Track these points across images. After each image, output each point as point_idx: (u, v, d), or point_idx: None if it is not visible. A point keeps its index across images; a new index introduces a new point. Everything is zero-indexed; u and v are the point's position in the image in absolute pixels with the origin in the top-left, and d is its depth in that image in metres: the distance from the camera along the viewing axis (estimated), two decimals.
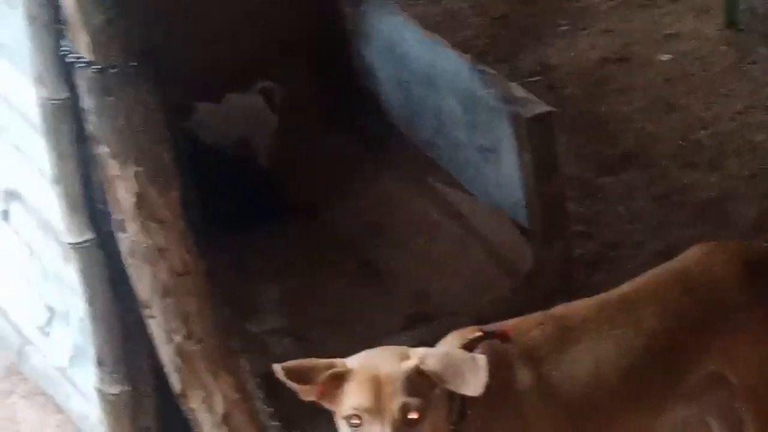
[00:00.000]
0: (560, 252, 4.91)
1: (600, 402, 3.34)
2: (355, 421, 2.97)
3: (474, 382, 2.96)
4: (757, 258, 3.58)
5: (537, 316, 3.41)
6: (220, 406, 3.96)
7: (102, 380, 4.04)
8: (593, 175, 5.78)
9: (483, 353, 3.15)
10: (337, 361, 3.07)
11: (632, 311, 3.41)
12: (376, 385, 2.96)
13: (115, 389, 4.03)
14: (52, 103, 3.73)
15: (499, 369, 3.19)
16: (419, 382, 2.98)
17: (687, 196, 5.59)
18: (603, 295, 3.49)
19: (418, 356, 3.01)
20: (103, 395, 4.08)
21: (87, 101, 3.66)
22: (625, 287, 3.50)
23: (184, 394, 3.97)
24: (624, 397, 3.38)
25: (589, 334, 3.35)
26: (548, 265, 4.91)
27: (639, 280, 3.53)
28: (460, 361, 3.01)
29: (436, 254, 5.22)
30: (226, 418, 3.99)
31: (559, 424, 3.29)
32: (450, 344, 3.27)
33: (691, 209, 5.49)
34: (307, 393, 3.09)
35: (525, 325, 3.35)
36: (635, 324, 3.38)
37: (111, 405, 4.08)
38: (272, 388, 4.14)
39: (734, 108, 6.15)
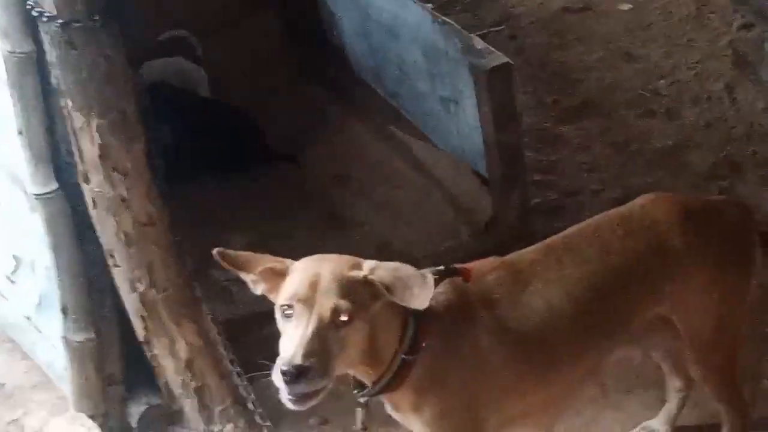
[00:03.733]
0: (519, 200, 4.97)
1: (552, 342, 3.40)
2: (288, 311, 3.01)
3: (420, 296, 3.01)
4: (698, 209, 3.65)
5: (490, 260, 3.46)
6: (183, 353, 4.04)
7: (67, 328, 4.10)
8: (553, 123, 5.86)
9: (445, 292, 3.24)
10: (286, 260, 3.12)
11: (577, 251, 3.46)
12: (315, 281, 3.01)
13: (80, 337, 4.09)
14: (17, 56, 3.75)
15: (458, 306, 3.27)
16: (362, 290, 3.02)
17: (645, 144, 5.67)
18: (550, 239, 3.54)
19: (368, 267, 3.06)
20: (68, 342, 4.14)
21: (51, 54, 3.69)
22: (569, 230, 3.56)
23: (147, 341, 4.05)
24: (575, 336, 3.44)
25: (538, 276, 3.40)
26: (507, 213, 4.98)
27: (582, 224, 3.58)
28: (409, 276, 3.04)
29: (398, 203, 5.30)
30: (189, 364, 4.07)
31: (513, 365, 3.34)
32: None
33: (649, 157, 5.57)
34: (254, 284, 3.15)
35: (481, 269, 3.39)
36: (581, 264, 3.44)
37: (76, 352, 4.14)
38: (235, 334, 4.24)
39: (693, 57, 6.23)
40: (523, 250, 3.53)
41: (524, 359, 3.36)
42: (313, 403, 3.01)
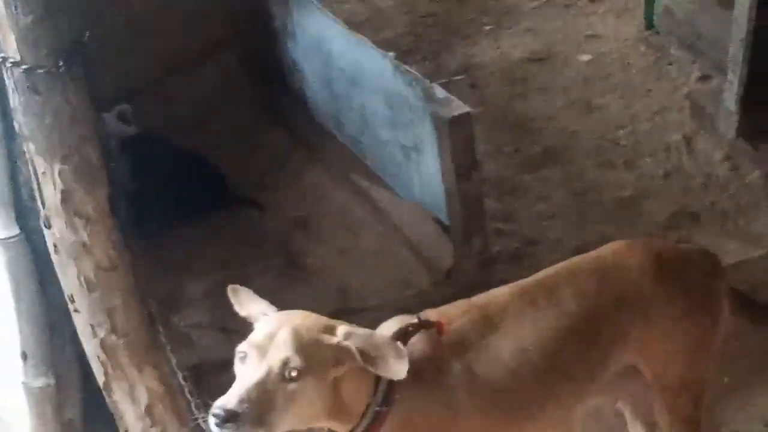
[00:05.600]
0: (479, 248, 5.00)
1: (524, 387, 3.39)
2: (242, 354, 3.03)
3: (397, 367, 3.03)
4: (669, 256, 3.65)
5: (460, 304, 3.45)
6: (143, 398, 4.00)
7: (27, 373, 4.08)
8: (514, 172, 5.90)
9: (418, 342, 3.25)
10: (269, 309, 3.17)
11: (552, 294, 3.45)
12: (274, 332, 3.02)
13: (39, 382, 4.07)
14: None
15: (430, 355, 3.27)
16: (325, 352, 3.03)
17: (604, 193, 5.72)
18: (522, 281, 3.52)
19: (342, 332, 3.06)
20: (27, 388, 4.11)
21: (14, 100, 3.67)
22: (543, 273, 3.55)
23: (107, 387, 4.01)
24: (547, 381, 3.43)
25: (511, 319, 3.39)
26: (467, 261, 5.00)
27: (556, 267, 3.58)
28: (384, 346, 3.06)
29: (359, 249, 5.32)
30: (149, 410, 4.03)
31: (485, 412, 3.33)
32: (388, 329, 3.30)
33: (608, 206, 5.62)
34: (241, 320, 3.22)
35: (451, 314, 3.38)
36: (555, 306, 3.43)
37: (35, 398, 4.11)
38: (199, 380, 4.23)
39: (651, 108, 6.30)
40: (495, 291, 3.52)
41: (496, 405, 3.36)
42: None
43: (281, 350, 2.99)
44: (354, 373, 3.11)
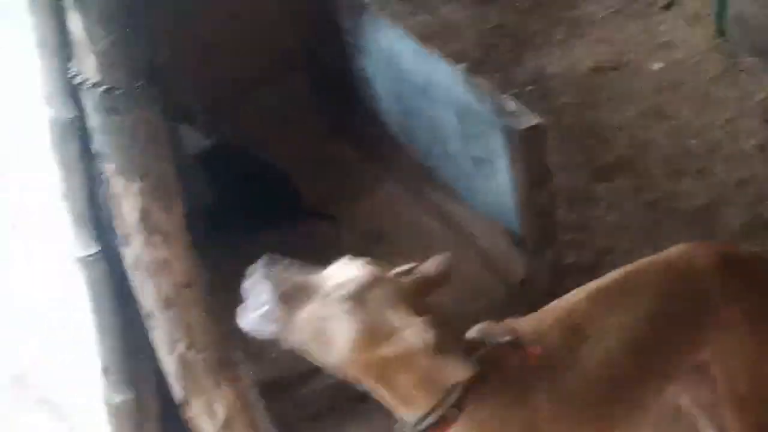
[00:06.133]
0: (551, 259, 5.01)
1: (610, 397, 3.40)
2: None
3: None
4: (736, 258, 3.67)
5: (544, 316, 3.46)
6: (221, 414, 4.06)
7: (107, 389, 4.16)
8: (585, 182, 5.91)
9: (509, 354, 3.27)
10: None
11: (628, 297, 3.46)
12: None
13: (119, 397, 4.14)
14: (60, 123, 3.84)
15: (518, 373, 3.28)
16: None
17: (677, 203, 5.70)
18: (595, 285, 3.53)
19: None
20: (107, 404, 4.19)
21: (93, 120, 3.75)
22: (614, 275, 3.55)
23: (186, 402, 4.07)
24: (629, 388, 3.44)
25: (597, 326, 3.39)
26: (540, 273, 5.01)
27: (627, 269, 3.58)
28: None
29: None
30: (226, 425, 4.09)
31: (570, 429, 3.35)
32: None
33: (681, 216, 5.60)
34: None
35: (538, 327, 3.39)
36: (633, 310, 3.43)
37: (115, 413, 4.19)
38: (273, 395, 4.28)
39: (723, 116, 6.26)
40: (571, 297, 3.53)
41: (581, 420, 3.37)
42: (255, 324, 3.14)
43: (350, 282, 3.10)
44: (416, 362, 3.12)
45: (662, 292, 3.49)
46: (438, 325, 3.14)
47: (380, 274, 3.24)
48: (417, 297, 3.26)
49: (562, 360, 3.34)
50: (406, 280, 3.30)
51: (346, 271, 3.23)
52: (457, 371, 3.14)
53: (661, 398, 3.60)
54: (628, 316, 3.42)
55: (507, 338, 3.32)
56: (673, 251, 3.65)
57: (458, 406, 3.21)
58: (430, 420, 3.21)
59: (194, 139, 5.73)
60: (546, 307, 3.51)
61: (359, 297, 3.14)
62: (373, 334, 3.10)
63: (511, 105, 4.94)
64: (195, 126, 5.61)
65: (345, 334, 3.12)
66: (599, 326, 3.39)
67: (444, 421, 3.21)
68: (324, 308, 3.13)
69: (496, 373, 3.23)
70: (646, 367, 3.47)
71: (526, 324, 3.43)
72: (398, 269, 3.30)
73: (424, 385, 3.19)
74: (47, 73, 3.77)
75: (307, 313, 3.13)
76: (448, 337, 3.15)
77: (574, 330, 3.39)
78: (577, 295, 3.53)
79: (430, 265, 3.35)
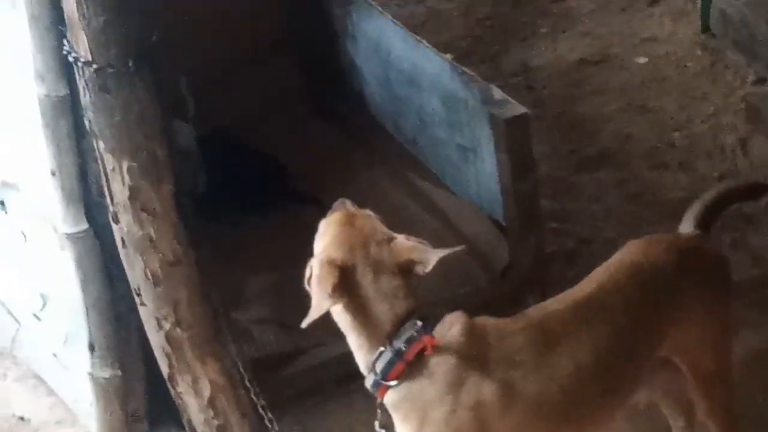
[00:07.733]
0: (534, 247, 5.04)
1: (577, 402, 3.45)
2: None
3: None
4: (688, 246, 3.76)
5: (519, 319, 3.49)
6: (206, 391, 4.10)
7: (94, 364, 4.19)
8: (569, 173, 5.95)
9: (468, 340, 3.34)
10: None
11: (602, 309, 3.52)
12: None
13: (106, 373, 4.19)
14: (52, 100, 3.87)
15: (472, 354, 3.33)
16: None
17: (658, 195, 5.74)
18: (572, 295, 3.57)
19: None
20: (94, 379, 4.22)
21: (85, 98, 3.79)
22: (588, 286, 3.59)
23: (172, 379, 4.12)
24: (598, 393, 3.50)
25: (569, 338, 3.43)
26: (523, 260, 5.05)
27: (598, 278, 3.63)
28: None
29: None
30: (211, 402, 4.13)
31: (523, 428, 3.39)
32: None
33: (662, 208, 5.62)
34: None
35: (507, 328, 3.43)
36: (607, 321, 3.49)
37: (102, 388, 4.23)
38: (257, 373, 4.32)
39: (706, 111, 6.31)
40: (548, 305, 3.58)
41: (539, 420, 3.41)
42: None
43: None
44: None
45: (635, 301, 3.55)
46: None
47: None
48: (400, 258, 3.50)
49: (523, 363, 3.36)
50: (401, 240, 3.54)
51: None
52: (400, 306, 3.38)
53: (630, 397, 3.68)
54: (602, 331, 3.47)
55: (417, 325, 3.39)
56: (632, 249, 3.71)
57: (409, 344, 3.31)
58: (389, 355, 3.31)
59: (186, 137, 5.76)
60: (520, 315, 3.55)
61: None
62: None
63: (498, 94, 4.99)
64: (187, 118, 5.64)
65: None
66: (575, 337, 3.44)
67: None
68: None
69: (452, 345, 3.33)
70: (616, 376, 3.54)
71: (495, 321, 3.48)
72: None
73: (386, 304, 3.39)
74: (39, 49, 3.80)
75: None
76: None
77: (545, 337, 3.42)
78: (552, 305, 3.57)
79: (426, 252, 3.46)
